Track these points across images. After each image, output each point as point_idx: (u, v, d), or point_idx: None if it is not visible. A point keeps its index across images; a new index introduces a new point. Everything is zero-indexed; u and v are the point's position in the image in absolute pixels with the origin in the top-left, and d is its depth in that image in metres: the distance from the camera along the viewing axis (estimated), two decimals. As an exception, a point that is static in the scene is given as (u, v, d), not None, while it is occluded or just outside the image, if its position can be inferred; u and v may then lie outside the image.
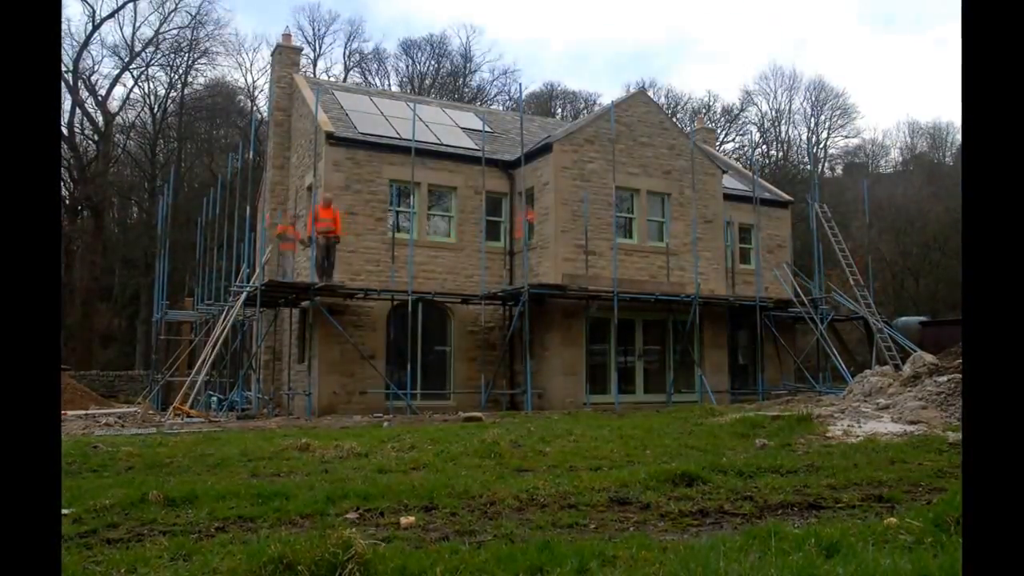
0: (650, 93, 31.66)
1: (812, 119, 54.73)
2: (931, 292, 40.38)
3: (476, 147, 20.91)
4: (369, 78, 50.99)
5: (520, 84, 46.48)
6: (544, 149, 19.91)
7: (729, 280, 22.60)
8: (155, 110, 43.14)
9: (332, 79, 42.18)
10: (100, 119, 40.51)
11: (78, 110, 38.98)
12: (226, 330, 18.52)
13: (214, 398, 20.09)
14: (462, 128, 22.66)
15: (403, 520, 4.93)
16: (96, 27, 39.82)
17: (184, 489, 5.92)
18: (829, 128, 55.21)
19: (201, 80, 44.75)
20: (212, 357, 18.11)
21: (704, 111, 47.76)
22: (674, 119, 31.85)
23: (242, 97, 47.31)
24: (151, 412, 17.90)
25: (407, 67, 53.42)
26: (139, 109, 43.53)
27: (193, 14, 41.56)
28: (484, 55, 79.70)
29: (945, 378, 12.45)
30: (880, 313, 23.28)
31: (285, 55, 22.99)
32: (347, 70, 50.55)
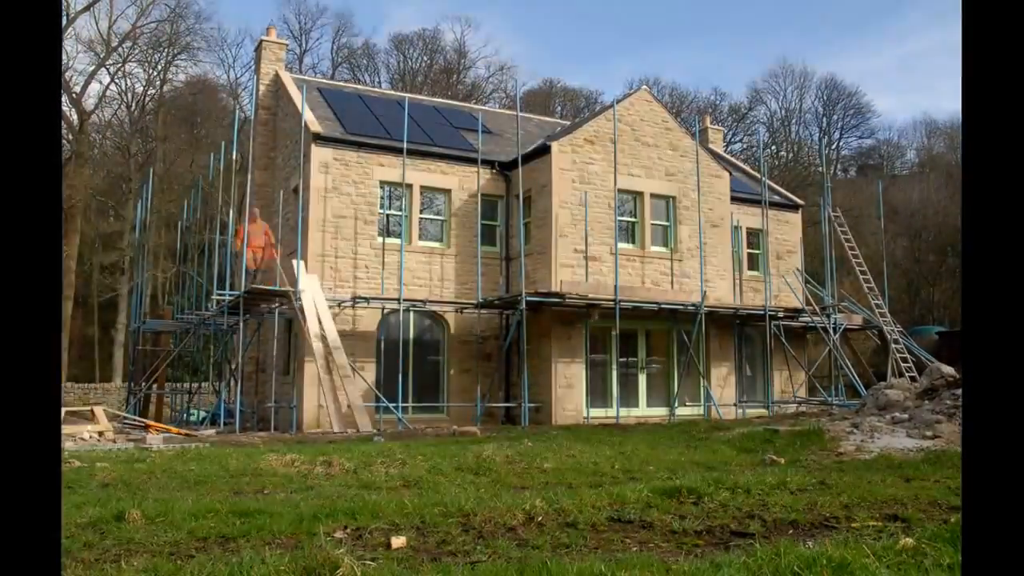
0: (654, 91, 31.75)
1: (824, 119, 55.01)
2: (948, 300, 40.46)
3: (471, 147, 20.94)
4: (358, 75, 51.12)
5: (517, 81, 46.56)
6: (542, 149, 19.95)
7: (736, 287, 22.65)
8: (132, 108, 43.19)
9: (319, 76, 42.27)
10: (75, 117, 40.52)
11: (52, 108, 38.97)
12: (208, 341, 18.51)
13: (195, 412, 20.08)
14: (456, 127, 22.70)
15: (393, 540, 4.93)
16: (70, 21, 39.87)
17: (162, 507, 5.90)
18: (842, 128, 55.52)
19: (181, 77, 44.86)
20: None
21: (710, 110, 47.93)
22: (679, 118, 31.98)
23: (225, 95, 47.42)
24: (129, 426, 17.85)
25: (398, 63, 53.65)
26: (116, 107, 43.59)
27: (172, 7, 41.70)
28: (480, 50, 79.87)
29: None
30: (895, 322, 23.33)
31: (269, 51, 23.04)
32: (335, 66, 50.74)
